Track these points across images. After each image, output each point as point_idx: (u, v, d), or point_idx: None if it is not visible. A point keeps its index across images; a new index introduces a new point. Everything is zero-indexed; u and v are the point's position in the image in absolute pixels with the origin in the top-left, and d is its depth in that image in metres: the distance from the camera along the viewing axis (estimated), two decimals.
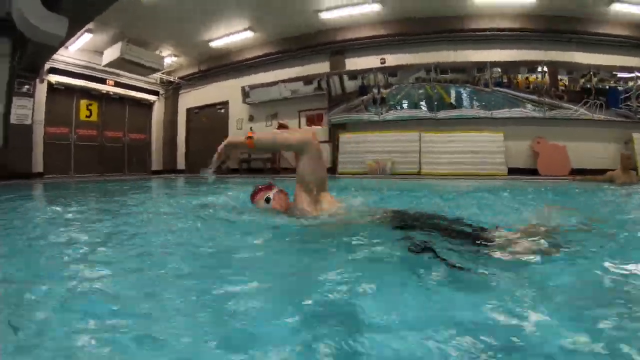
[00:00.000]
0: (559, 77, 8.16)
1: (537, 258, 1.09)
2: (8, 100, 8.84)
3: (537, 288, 0.89)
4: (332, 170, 9.10)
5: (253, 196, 1.94)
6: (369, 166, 8.45)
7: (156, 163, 12.26)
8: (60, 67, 9.61)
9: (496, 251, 1.17)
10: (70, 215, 2.39)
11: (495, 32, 8.33)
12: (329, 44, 9.24)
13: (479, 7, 7.98)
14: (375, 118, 9.01)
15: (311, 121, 9.80)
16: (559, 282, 0.95)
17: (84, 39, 9.32)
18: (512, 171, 7.95)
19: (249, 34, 9.37)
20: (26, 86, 9.03)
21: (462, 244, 1.22)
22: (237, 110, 10.93)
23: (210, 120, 11.72)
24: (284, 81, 9.79)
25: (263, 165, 9.69)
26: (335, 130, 9.32)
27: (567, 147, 7.89)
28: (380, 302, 0.83)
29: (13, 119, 8.85)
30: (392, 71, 8.97)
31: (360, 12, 8.35)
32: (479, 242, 1.26)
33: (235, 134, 10.93)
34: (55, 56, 9.21)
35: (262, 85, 10.15)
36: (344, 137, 9.09)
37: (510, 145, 8.18)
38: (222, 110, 11.40)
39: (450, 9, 8.13)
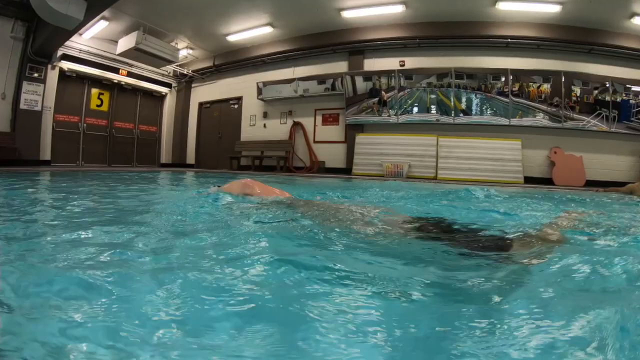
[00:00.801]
0: (572, 88, 8.13)
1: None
2: (17, 85, 8.73)
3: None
4: (347, 171, 9.04)
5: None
6: (387, 168, 8.40)
7: (165, 156, 12.10)
8: (73, 54, 9.42)
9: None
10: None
11: (515, 40, 8.30)
12: (349, 43, 9.17)
13: (502, 15, 7.97)
14: (391, 120, 8.96)
15: (326, 120, 9.72)
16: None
17: (98, 27, 9.16)
18: (527, 180, 7.95)
19: (268, 30, 9.27)
20: (37, 71, 8.85)
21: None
22: (251, 106, 10.82)
23: (223, 115, 11.59)
24: (301, 79, 9.69)
25: (276, 163, 9.58)
26: (351, 131, 9.25)
27: (583, 158, 7.92)
28: None
29: (22, 104, 8.68)
30: (408, 74, 8.91)
31: (383, 13, 8.30)
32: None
33: (248, 130, 10.84)
34: (68, 43, 9.05)
35: (278, 82, 10.04)
36: (360, 138, 9.03)
37: (525, 153, 8.17)
38: (236, 106, 11.28)
39: (473, 15, 8.11)
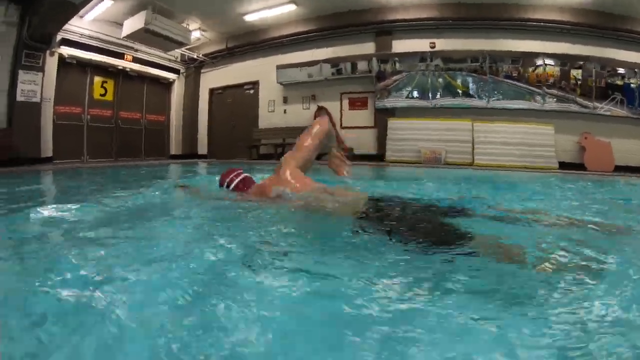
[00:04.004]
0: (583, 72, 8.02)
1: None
2: (12, 75, 7.80)
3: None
4: (379, 157, 8.77)
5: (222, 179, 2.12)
6: (424, 155, 8.19)
7: (175, 147, 11.36)
8: (73, 39, 8.46)
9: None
10: None
11: (547, 24, 8.09)
12: (377, 23, 8.70)
13: None
14: (426, 105, 8.68)
15: (354, 104, 9.32)
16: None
17: (101, 7, 8.25)
18: (560, 165, 7.92)
19: (291, 8, 8.61)
20: (35, 59, 7.93)
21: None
22: (269, 91, 10.19)
23: (237, 101, 10.90)
24: (325, 61, 9.17)
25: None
26: (381, 115, 8.91)
27: (611, 143, 7.91)
28: None
29: (19, 96, 7.80)
30: (442, 56, 8.60)
31: None
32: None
33: (266, 116, 10.28)
34: (67, 27, 8.13)
35: (300, 64, 9.46)
36: (393, 123, 8.72)
37: (555, 139, 8.12)
38: (252, 91, 10.61)
39: None
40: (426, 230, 1.33)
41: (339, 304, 0.81)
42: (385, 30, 8.86)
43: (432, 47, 8.70)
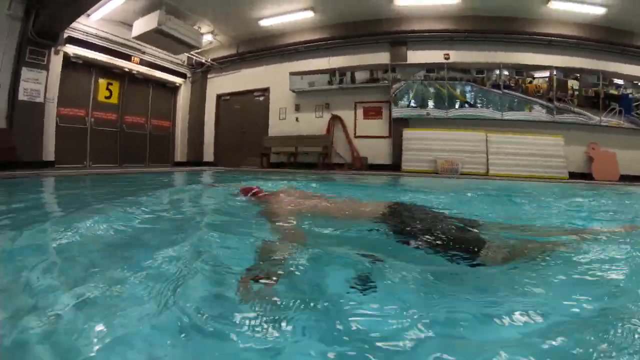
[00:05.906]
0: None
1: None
2: (15, 72, 7.35)
3: None
4: (394, 167, 8.74)
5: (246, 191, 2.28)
6: (441, 165, 8.22)
7: (180, 153, 10.98)
8: (80, 37, 8.08)
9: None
10: None
11: (557, 38, 8.35)
12: (393, 33, 8.75)
13: (549, 13, 7.95)
14: (423, 114, 8.79)
15: (368, 114, 9.27)
16: None
17: (110, 6, 7.95)
18: (569, 175, 8.09)
19: (308, 15, 8.54)
20: (39, 56, 7.52)
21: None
22: (280, 98, 10.01)
23: (245, 108, 10.67)
24: (340, 69, 9.13)
25: (317, 160, 9.03)
26: (397, 125, 8.91)
27: (616, 154, 8.16)
28: None
29: (22, 95, 7.38)
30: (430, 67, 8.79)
31: (436, 3, 7.97)
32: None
33: (277, 124, 10.09)
34: (74, 24, 7.83)
35: (314, 72, 9.37)
36: (408, 133, 8.73)
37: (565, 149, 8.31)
38: (261, 98, 10.40)
39: (523, 11, 8.02)
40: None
41: None
42: (400, 41, 8.92)
43: (446, 59, 8.82)
